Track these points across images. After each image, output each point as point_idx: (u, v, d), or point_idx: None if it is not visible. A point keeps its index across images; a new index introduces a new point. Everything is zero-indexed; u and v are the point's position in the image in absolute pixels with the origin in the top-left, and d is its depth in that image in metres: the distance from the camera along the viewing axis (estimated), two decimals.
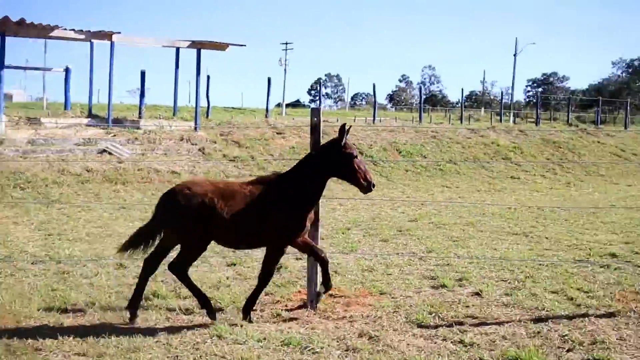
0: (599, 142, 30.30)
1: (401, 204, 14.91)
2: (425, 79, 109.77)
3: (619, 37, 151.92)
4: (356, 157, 5.93)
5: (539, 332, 5.56)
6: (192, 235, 5.78)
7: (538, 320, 5.90)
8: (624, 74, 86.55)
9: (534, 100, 58.85)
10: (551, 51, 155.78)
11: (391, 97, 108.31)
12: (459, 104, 51.14)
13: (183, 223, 5.74)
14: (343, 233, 10.74)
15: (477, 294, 6.84)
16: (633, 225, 11.82)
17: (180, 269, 5.85)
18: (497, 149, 26.63)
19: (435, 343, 5.34)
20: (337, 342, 5.36)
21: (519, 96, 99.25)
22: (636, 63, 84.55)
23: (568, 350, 5.13)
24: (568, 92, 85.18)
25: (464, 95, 41.61)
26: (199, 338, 5.39)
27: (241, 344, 5.26)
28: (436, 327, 5.75)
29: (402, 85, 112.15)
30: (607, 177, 24.40)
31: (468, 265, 7.98)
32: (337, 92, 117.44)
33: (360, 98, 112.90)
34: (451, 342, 5.34)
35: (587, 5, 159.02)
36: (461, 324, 5.82)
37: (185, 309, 6.21)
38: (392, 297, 6.66)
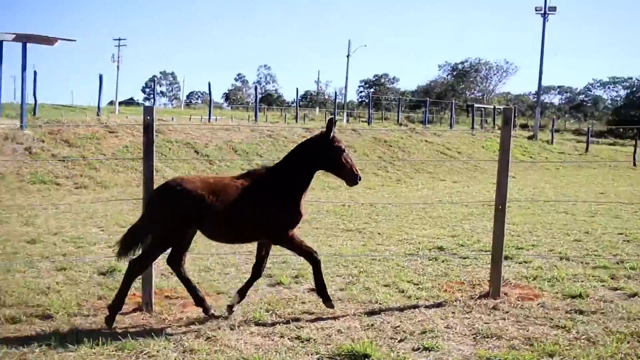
0: (426, 141, 32.23)
1: None
2: (261, 78, 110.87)
3: (446, 41, 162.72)
4: (344, 150, 5.99)
5: (372, 325, 5.71)
6: (171, 232, 5.73)
7: (372, 313, 6.07)
8: (449, 77, 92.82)
9: (366, 101, 61.44)
10: (382, 53, 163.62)
11: (227, 96, 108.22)
12: (295, 104, 52.09)
13: (168, 219, 5.68)
14: None
15: (314, 290, 6.89)
16: (458, 219, 12.66)
17: (138, 265, 5.76)
18: None
19: (273, 340, 5.30)
20: (174, 344, 5.16)
21: (352, 96, 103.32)
22: (460, 66, 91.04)
23: (400, 341, 5.31)
24: (398, 93, 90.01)
25: (299, 94, 42.42)
26: (25, 349, 4.98)
27: (73, 352, 4.93)
28: (273, 324, 5.73)
29: (238, 84, 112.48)
30: (435, 174, 26.00)
31: (304, 263, 8.08)
32: (172, 91, 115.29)
33: (196, 97, 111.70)
34: (288, 338, 5.34)
35: (416, 9, 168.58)
36: (298, 320, 5.86)
37: (11, 318, 5.72)
38: (230, 297, 6.60)
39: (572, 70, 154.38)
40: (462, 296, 6.69)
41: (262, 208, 5.80)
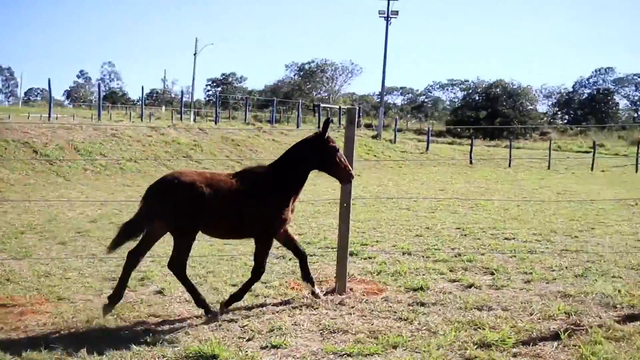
0: (274, 140, 32.48)
1: (80, 205, 14.09)
2: (104, 75, 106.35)
3: (293, 41, 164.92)
4: (338, 150, 6.22)
5: (220, 325, 5.63)
6: (187, 224, 5.81)
7: (220, 313, 6.00)
8: (296, 77, 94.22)
9: (214, 100, 60.84)
10: (230, 52, 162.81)
11: (69, 94, 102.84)
12: (140, 102, 50.45)
13: (177, 213, 5.76)
14: (16, 237, 9.71)
15: (160, 292, 6.71)
16: (305, 217, 12.79)
17: (179, 267, 5.89)
18: (178, 147, 26.84)
19: (118, 345, 5.10)
20: (11, 355, 4.78)
21: (200, 95, 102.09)
22: (307, 67, 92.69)
23: (248, 340, 5.29)
24: (246, 92, 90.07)
25: (144, 93, 41.19)
26: None
27: None
28: (119, 329, 5.50)
29: (81, 81, 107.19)
30: None
31: (150, 264, 7.82)
32: (9, 87, 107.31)
33: (35, 93, 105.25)
34: (134, 342, 5.14)
35: (262, 8, 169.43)
36: (144, 323, 5.66)
37: None
38: (72, 302, 6.20)
39: (413, 72, 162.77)
40: (309, 293, 6.78)
41: (256, 206, 5.96)
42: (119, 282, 5.94)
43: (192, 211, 5.75)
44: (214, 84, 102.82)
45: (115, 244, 5.93)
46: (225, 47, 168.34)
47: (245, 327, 5.61)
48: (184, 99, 47.74)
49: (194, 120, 43.41)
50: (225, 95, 76.79)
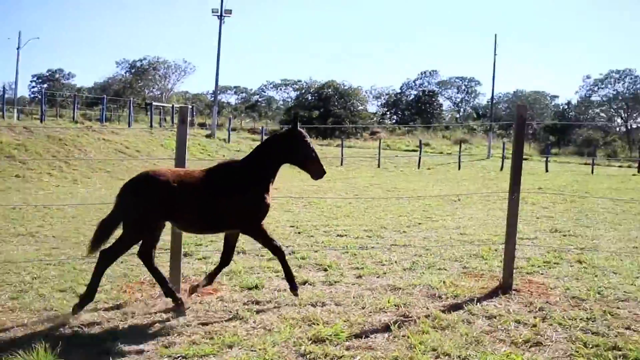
0: (104, 139, 31.02)
1: None
2: None
3: (124, 37, 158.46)
4: (310, 144, 6.35)
5: (47, 334, 5.30)
6: (142, 224, 5.99)
7: (48, 320, 5.73)
8: (127, 74, 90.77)
9: (40, 97, 57.07)
10: (57, 47, 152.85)
11: None
12: None
13: (137, 209, 5.91)
14: None
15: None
16: None
17: (110, 256, 5.96)
18: (0, 147, 24.88)
19: None
20: None
21: (24, 92, 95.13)
22: (139, 64, 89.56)
23: (80, 347, 5.09)
24: (74, 89, 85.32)
25: None
26: None
27: None
28: None
29: None
30: (113, 173, 25.15)
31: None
32: None
33: None
34: None
35: (89, 3, 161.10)
36: None
37: None
38: None
39: (247, 71, 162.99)
40: (142, 296, 6.63)
41: (231, 199, 6.10)
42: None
43: (158, 209, 5.95)
44: (40, 80, 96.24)
45: (95, 245, 6.02)
46: (51, 42, 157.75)
47: (76, 334, 5.41)
48: (7, 96, 44.21)
49: (18, 118, 40.36)
50: (52, 92, 72.09)
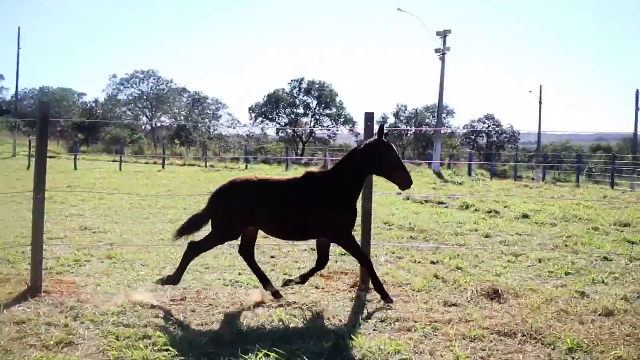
0: None
1: None
2: None
3: None
4: (397, 154, 6.39)
5: None
6: (226, 227, 6.53)
7: None
8: None
9: None
10: None
11: None
12: None
13: (224, 215, 6.49)
14: None
15: None
16: None
17: (198, 249, 6.66)
18: None
19: None
20: None
21: None
22: None
23: None
24: None
25: None
26: None
27: None
28: None
29: None
30: None
31: None
32: None
33: None
34: None
35: None
36: None
37: None
38: None
39: None
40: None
41: (316, 209, 6.34)
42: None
43: (242, 216, 6.41)
44: None
45: (180, 234, 6.80)
46: None
47: None
48: None
49: None
50: None
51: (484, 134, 73.11)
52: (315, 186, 6.50)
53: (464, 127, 73.15)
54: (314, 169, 6.98)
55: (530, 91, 66.91)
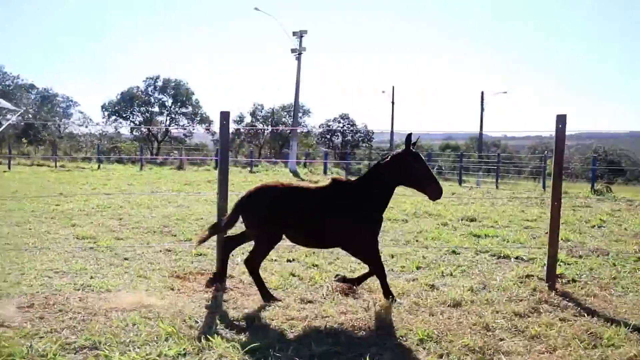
0: None
1: None
2: None
3: None
4: (426, 165, 6.28)
5: None
6: (266, 233, 6.45)
7: None
8: None
9: None
10: None
11: None
12: None
13: (259, 222, 6.43)
14: None
15: None
16: None
17: (252, 265, 6.52)
18: None
19: None
20: None
21: None
22: None
23: None
24: None
25: None
26: None
27: None
28: None
29: None
30: None
31: None
32: None
33: None
34: None
35: None
36: None
37: None
38: None
39: None
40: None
41: (340, 218, 6.28)
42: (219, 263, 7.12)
43: (274, 222, 6.36)
44: None
45: (205, 238, 6.85)
46: None
47: None
48: None
49: None
50: None
51: (339, 133, 74.93)
52: (345, 195, 6.46)
53: (319, 127, 74.52)
54: (340, 177, 7.00)
55: (383, 91, 69.16)
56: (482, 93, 60.94)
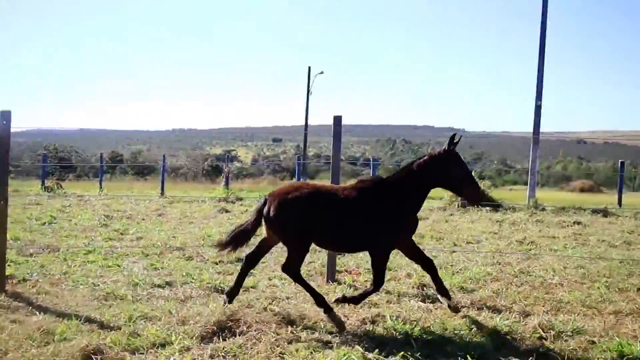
0: None
1: None
2: None
3: None
4: (466, 166, 5.86)
5: None
6: (296, 237, 5.86)
7: None
8: None
9: None
10: None
11: None
12: None
13: (287, 226, 5.85)
14: None
15: None
16: None
17: (292, 271, 5.94)
18: None
19: None
20: None
21: None
22: None
23: None
24: None
25: None
26: None
27: None
28: None
29: None
30: None
31: None
32: None
33: None
34: None
35: None
36: None
37: None
38: None
39: None
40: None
41: (369, 220, 5.76)
42: (235, 282, 6.27)
43: (302, 225, 5.78)
44: None
45: (227, 244, 6.24)
46: None
47: None
48: None
49: None
50: None
51: None
52: (375, 196, 5.91)
53: None
54: (367, 178, 6.36)
55: None
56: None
